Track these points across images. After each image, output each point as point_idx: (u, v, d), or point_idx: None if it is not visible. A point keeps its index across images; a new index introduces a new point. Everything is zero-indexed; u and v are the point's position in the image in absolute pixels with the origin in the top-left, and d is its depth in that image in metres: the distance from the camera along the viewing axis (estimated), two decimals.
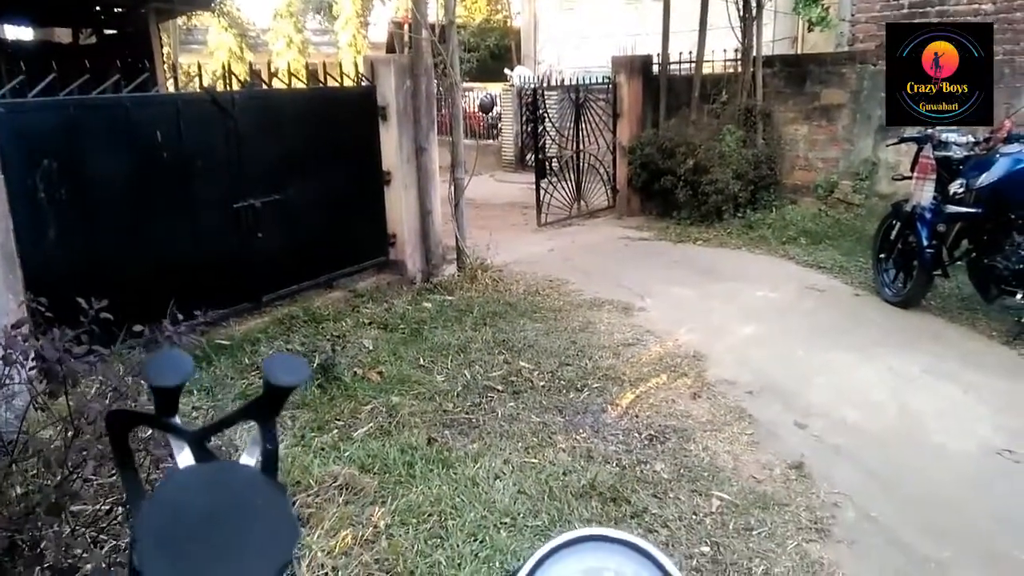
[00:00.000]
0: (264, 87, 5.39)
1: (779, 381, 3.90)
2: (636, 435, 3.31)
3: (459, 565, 2.44)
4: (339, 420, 3.43)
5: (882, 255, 5.09)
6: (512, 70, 13.05)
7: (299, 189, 5.17)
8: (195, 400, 3.55)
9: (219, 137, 4.67)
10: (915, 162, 4.69)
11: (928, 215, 4.57)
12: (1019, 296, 4.18)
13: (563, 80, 8.43)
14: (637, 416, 3.50)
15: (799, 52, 9.19)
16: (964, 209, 4.36)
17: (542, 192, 7.95)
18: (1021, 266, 4.13)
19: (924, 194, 4.54)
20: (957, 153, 4.42)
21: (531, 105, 8.29)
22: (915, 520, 2.70)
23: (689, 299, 5.35)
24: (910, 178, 4.76)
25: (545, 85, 8.88)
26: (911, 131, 4.67)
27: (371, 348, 4.36)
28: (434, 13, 6.66)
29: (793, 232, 6.79)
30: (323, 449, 3.14)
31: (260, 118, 4.95)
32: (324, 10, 24.45)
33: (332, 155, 5.44)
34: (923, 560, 2.50)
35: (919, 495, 2.85)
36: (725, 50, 8.03)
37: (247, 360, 4.13)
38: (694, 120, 7.86)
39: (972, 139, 4.41)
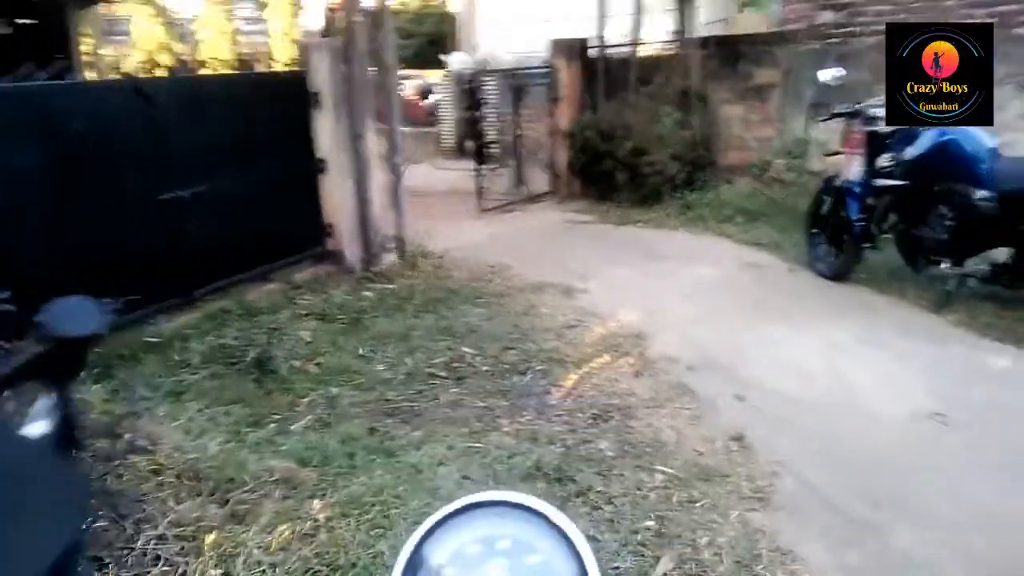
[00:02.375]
0: (191, 75, 5.18)
1: (719, 356, 3.95)
2: (580, 415, 3.30)
3: None
4: (276, 414, 3.32)
5: (814, 230, 5.21)
6: (450, 56, 12.88)
7: (230, 179, 4.99)
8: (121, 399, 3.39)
9: (143, 127, 4.46)
10: (845, 137, 4.80)
11: (858, 189, 4.69)
12: (945, 266, 4.33)
13: (502, 66, 8.37)
14: (581, 396, 3.49)
15: (732, 33, 9.32)
16: (892, 182, 4.48)
17: (482, 179, 7.88)
18: (946, 236, 4.28)
19: (854, 168, 4.66)
20: (885, 127, 4.53)
21: (469, 92, 8.21)
22: (853, 485, 2.76)
23: (630, 280, 5.38)
24: (840, 153, 4.87)
25: (483, 71, 8.80)
26: (841, 106, 4.78)
27: (309, 340, 4.24)
28: None
29: (730, 211, 6.90)
30: (259, 444, 3.04)
31: (187, 107, 4.75)
32: None
33: (264, 143, 5.27)
34: (861, 524, 2.56)
35: (856, 460, 2.92)
36: (663, 32, 8.09)
37: (177, 357, 3.97)
38: (632, 103, 7.89)
39: None
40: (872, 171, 4.60)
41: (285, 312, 4.73)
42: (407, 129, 13.37)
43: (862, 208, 4.66)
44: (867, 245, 4.77)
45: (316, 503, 2.59)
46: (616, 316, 4.58)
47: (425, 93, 12.83)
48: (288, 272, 5.53)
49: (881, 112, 4.56)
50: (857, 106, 4.66)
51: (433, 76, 13.35)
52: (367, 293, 5.07)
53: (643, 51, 8.20)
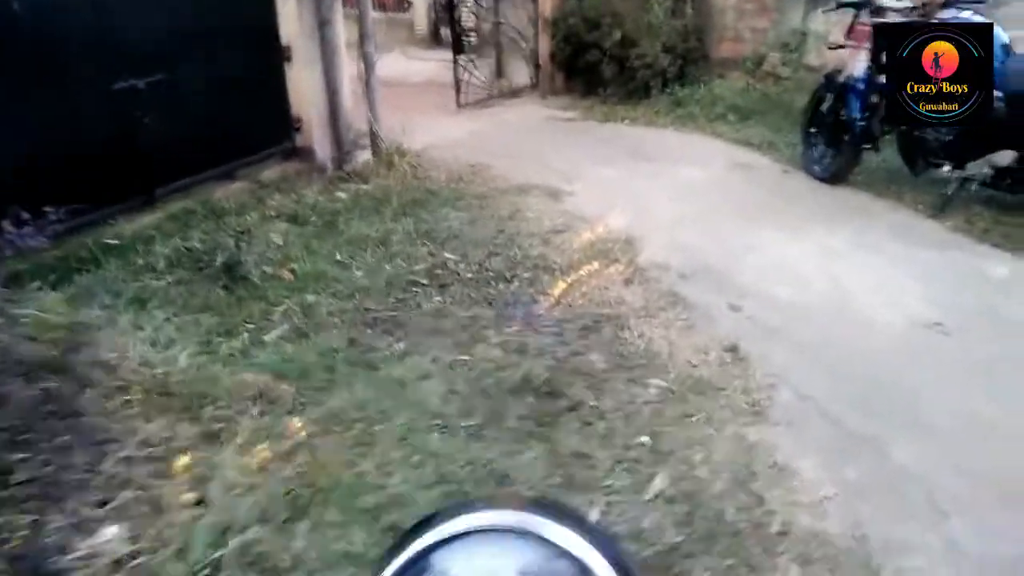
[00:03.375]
0: None
1: (711, 263, 3.81)
2: (569, 325, 3.16)
3: (389, 473, 2.28)
4: (249, 323, 3.14)
5: (812, 130, 4.98)
6: None
7: (188, 68, 4.60)
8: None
9: (91, 8, 4.02)
10: (850, 29, 4.50)
11: (861, 86, 4.43)
12: (946, 168, 4.16)
13: None
14: (570, 306, 3.35)
15: None
16: None
17: (460, 70, 7.43)
18: (950, 137, 4.08)
19: (858, 64, 4.38)
20: (894, 19, 4.23)
21: None
22: (849, 397, 2.69)
23: (619, 181, 5.15)
24: (844, 47, 4.58)
25: None
26: None
27: (281, 244, 4.01)
28: None
29: (721, 108, 6.60)
30: (232, 356, 2.87)
31: None
32: None
33: (225, 30, 4.83)
34: (858, 437, 2.50)
35: (852, 372, 2.84)
36: None
37: (140, 261, 3.73)
38: None
39: (909, 3, 4.22)
40: (878, 67, 4.33)
41: (254, 214, 4.46)
42: (377, 15, 12.59)
43: (865, 106, 4.42)
44: (867, 146, 4.56)
45: (295, 420, 2.46)
46: (605, 220, 4.39)
47: None
48: (255, 170, 5.21)
49: (890, 2, 4.26)
50: None
51: None
52: (341, 194, 4.80)
53: None
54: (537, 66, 8.18)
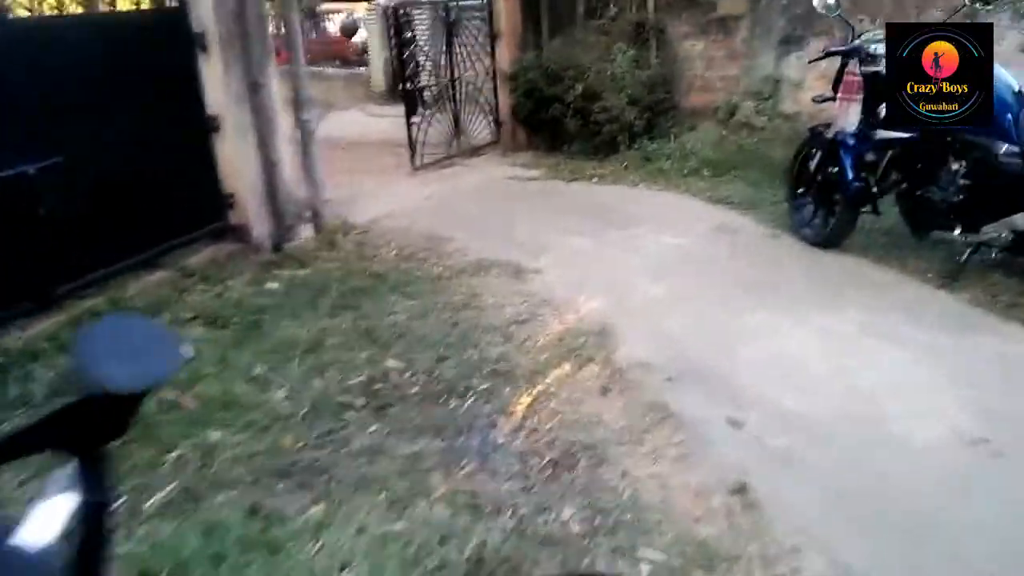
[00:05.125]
0: (27, 18, 4.09)
1: (701, 358, 3.23)
2: (535, 461, 2.54)
3: None
4: (131, 480, 2.47)
5: (799, 190, 4.49)
6: None
7: (93, 146, 4.01)
8: None
9: None
10: (838, 80, 4.04)
11: (854, 142, 3.96)
12: (956, 232, 3.66)
13: None
14: (536, 429, 2.74)
15: None
16: (898, 135, 3.75)
17: (415, 129, 6.91)
18: (960, 197, 3.59)
19: (849, 117, 3.91)
20: (885, 69, 3.78)
21: (397, 28, 7.13)
22: (899, 562, 2.08)
23: (588, 252, 4.61)
24: (832, 99, 4.11)
25: (412, 3, 7.71)
26: (835, 44, 4.01)
27: (192, 356, 3.36)
28: None
29: (695, 163, 6.14)
30: None
31: (27, 58, 3.70)
32: None
33: (137, 99, 4.26)
34: None
35: (895, 520, 2.24)
36: None
37: (15, 390, 3.06)
38: (581, 39, 6.99)
39: None
40: (872, 121, 3.86)
41: (167, 314, 3.82)
42: (335, 71, 12.18)
43: (859, 164, 3.94)
44: (864, 209, 4.07)
45: None
46: (575, 304, 3.82)
47: (351, 30, 11.58)
48: (182, 255, 4.60)
49: (883, 49, 3.80)
50: (855, 42, 3.89)
51: (360, 9, 12.09)
52: (272, 284, 4.18)
53: None
54: (498, 122, 7.72)
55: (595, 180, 6.30)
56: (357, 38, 11.68)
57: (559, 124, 6.82)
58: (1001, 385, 2.89)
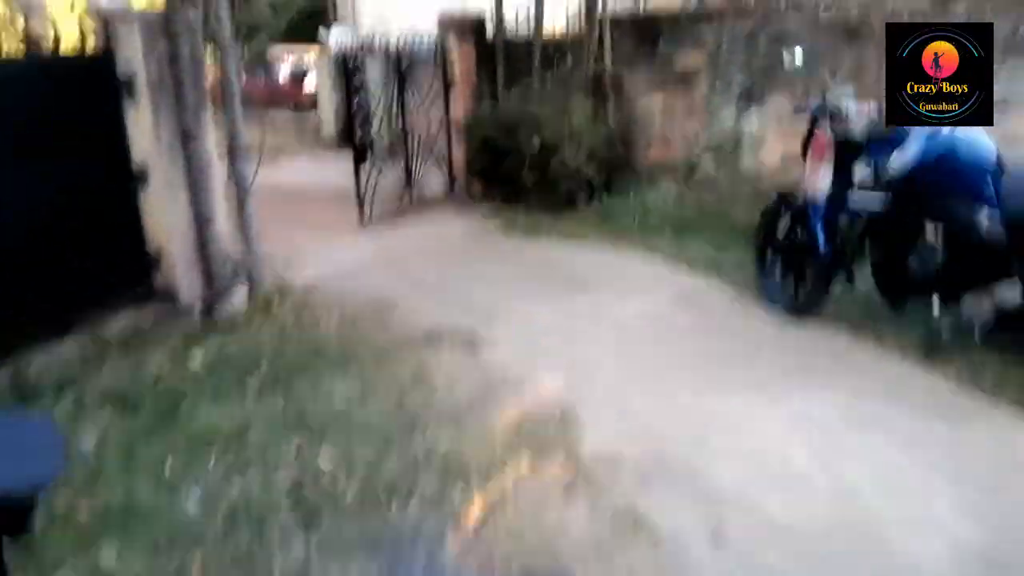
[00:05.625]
0: None
1: (675, 450, 2.91)
2: None
3: None
4: None
5: (767, 255, 4.27)
6: (328, 32, 11.35)
7: None
8: None
9: None
10: (808, 140, 3.87)
11: (825, 207, 3.76)
12: (936, 303, 3.45)
13: (385, 43, 7.06)
14: (490, 548, 2.36)
15: (643, 12, 8.35)
16: (872, 200, 3.56)
17: (364, 181, 6.57)
18: (938, 268, 3.40)
19: (820, 181, 3.72)
20: (859, 129, 3.61)
21: (347, 74, 6.83)
22: None
23: (547, 320, 4.29)
24: (801, 160, 3.93)
25: (361, 48, 7.44)
26: (805, 102, 3.85)
27: (92, 449, 2.91)
28: None
29: (656, 221, 5.93)
30: None
31: None
32: None
33: (53, 149, 3.87)
34: None
35: None
36: (567, 8, 7.01)
37: None
38: (537, 91, 6.79)
39: (875, 110, 3.61)
40: (844, 185, 3.68)
41: (70, 395, 3.35)
42: (285, 116, 11.83)
43: (831, 231, 3.74)
44: (837, 278, 3.86)
45: None
46: (534, 382, 3.48)
47: (300, 75, 11.26)
48: (100, 322, 4.13)
49: (853, 108, 3.64)
50: (823, 101, 3.73)
51: (310, 54, 11.82)
52: (196, 358, 3.74)
53: (548, 31, 7.08)
54: (451, 174, 7.44)
55: (553, 237, 6.03)
56: (308, 83, 11.35)
57: (515, 177, 6.57)
58: (999, 482, 2.64)
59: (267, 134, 11.00)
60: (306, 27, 12.60)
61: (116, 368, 3.66)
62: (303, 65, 11.36)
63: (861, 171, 3.59)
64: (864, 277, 3.88)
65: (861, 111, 3.62)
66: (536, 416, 3.17)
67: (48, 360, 3.76)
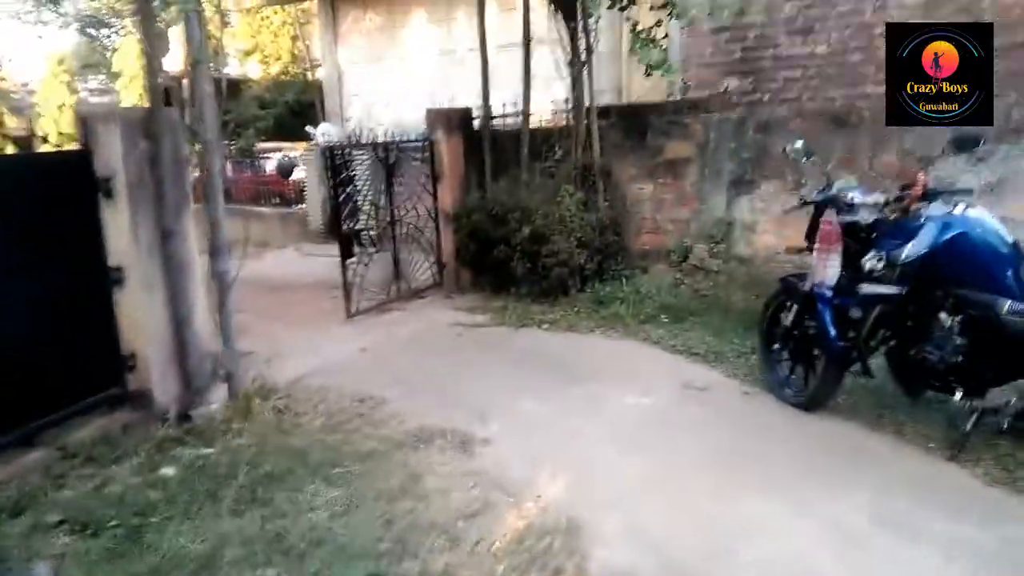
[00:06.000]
0: None
1: (694, 563, 2.64)
2: None
3: None
4: None
5: (774, 345, 4.10)
6: (316, 127, 11.47)
7: None
8: None
9: None
10: (812, 229, 3.77)
11: (835, 298, 3.62)
12: (959, 395, 3.26)
13: (373, 137, 7.07)
14: None
15: (626, 102, 8.51)
16: (885, 290, 3.42)
17: (351, 273, 6.42)
18: (960, 359, 3.23)
19: (829, 270, 3.59)
20: (866, 217, 3.52)
21: (335, 168, 6.79)
22: None
23: (544, 416, 4.05)
24: (808, 250, 3.82)
25: (349, 143, 7.45)
26: (810, 192, 3.77)
27: None
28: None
29: (651, 308, 5.78)
30: None
31: None
32: (104, 67, 21.51)
33: (24, 249, 3.69)
34: None
35: None
36: (553, 101, 7.08)
37: None
38: (526, 181, 6.77)
39: (881, 198, 3.53)
40: (854, 274, 3.55)
41: (29, 515, 3.04)
42: (270, 210, 11.80)
43: (842, 321, 3.59)
44: (851, 369, 3.68)
45: None
46: (535, 488, 3.22)
47: (287, 169, 11.30)
48: (67, 430, 3.85)
49: (861, 198, 3.56)
50: (831, 192, 3.65)
51: (297, 149, 11.91)
52: (167, 470, 3.44)
53: (535, 122, 7.14)
54: (440, 263, 7.32)
55: (546, 326, 5.85)
56: (294, 177, 11.38)
57: (505, 267, 6.45)
58: None
59: (254, 227, 10.97)
60: (294, 124, 12.81)
61: (80, 482, 3.36)
62: (289, 160, 11.41)
63: (872, 259, 3.46)
64: (878, 366, 3.70)
65: (868, 199, 3.54)
66: (539, 527, 2.90)
67: (9, 472, 3.47)
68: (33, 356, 3.72)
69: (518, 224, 6.29)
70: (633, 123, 6.60)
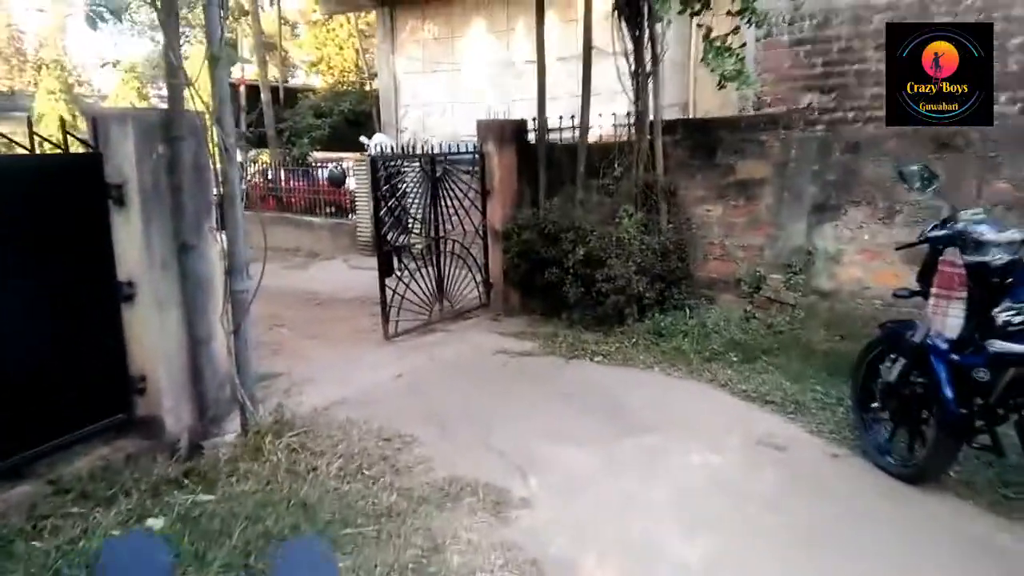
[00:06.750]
0: None
1: None
2: None
3: None
4: None
5: (872, 403, 3.45)
6: (369, 138, 11.19)
7: None
8: None
9: None
10: (928, 269, 3.13)
11: (953, 352, 2.96)
12: None
13: (426, 149, 6.66)
14: None
15: (693, 117, 7.90)
16: (1019, 347, 2.75)
17: (391, 292, 5.98)
18: None
19: (949, 321, 2.94)
20: (999, 258, 2.86)
21: (382, 180, 6.39)
22: None
23: (593, 474, 3.49)
24: (920, 294, 3.17)
25: (394, 154, 7.05)
26: (935, 228, 3.13)
27: None
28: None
29: (717, 344, 5.15)
30: None
31: None
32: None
33: (20, 261, 3.34)
34: None
35: None
36: (615, 114, 6.54)
37: None
38: (582, 199, 6.24)
39: (1019, 236, 2.88)
40: (981, 327, 2.89)
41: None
42: (320, 220, 11.58)
43: (962, 382, 2.93)
44: (971, 442, 3.01)
45: None
46: (577, 569, 2.66)
47: (339, 179, 11.03)
48: (65, 458, 3.49)
49: (993, 235, 2.90)
50: (957, 226, 3.00)
51: (350, 159, 11.67)
52: (155, 521, 3.00)
53: (593, 136, 6.61)
54: (487, 283, 6.84)
55: (599, 359, 5.29)
56: (348, 188, 11.12)
57: (557, 290, 5.92)
58: None
59: (304, 237, 10.75)
60: (350, 134, 12.58)
61: (59, 529, 2.96)
62: (341, 170, 11.15)
63: (1007, 311, 2.80)
64: (1006, 438, 3.02)
65: (1002, 236, 2.88)
66: None
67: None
68: (31, 376, 3.36)
69: (572, 245, 5.77)
70: (702, 139, 5.99)
